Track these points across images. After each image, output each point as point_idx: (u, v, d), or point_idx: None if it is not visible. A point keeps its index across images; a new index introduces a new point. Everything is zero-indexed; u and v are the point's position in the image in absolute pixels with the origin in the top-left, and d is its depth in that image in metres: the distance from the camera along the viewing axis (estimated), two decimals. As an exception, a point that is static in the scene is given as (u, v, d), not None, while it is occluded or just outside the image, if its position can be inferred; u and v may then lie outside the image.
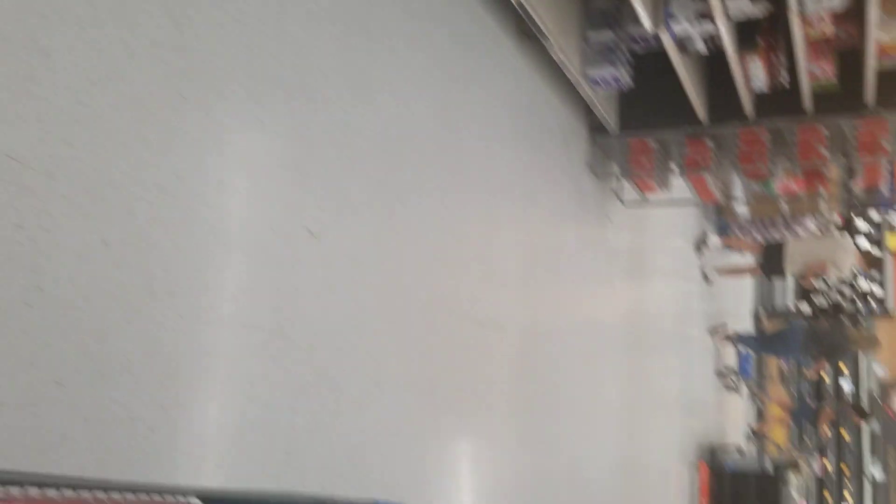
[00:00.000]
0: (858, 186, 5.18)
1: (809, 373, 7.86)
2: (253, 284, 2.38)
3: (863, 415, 8.22)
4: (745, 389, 9.58)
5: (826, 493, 10.41)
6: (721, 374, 8.74)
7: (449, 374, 3.35)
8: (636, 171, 4.95)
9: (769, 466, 7.24)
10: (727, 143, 4.82)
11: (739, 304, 10.47)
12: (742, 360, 9.16)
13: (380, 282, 2.95)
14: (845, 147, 4.62)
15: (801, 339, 7.28)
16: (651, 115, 4.89)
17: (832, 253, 7.07)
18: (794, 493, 7.12)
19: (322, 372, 2.63)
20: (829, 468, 10.51)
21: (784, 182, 4.89)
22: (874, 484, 10.50)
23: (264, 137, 2.46)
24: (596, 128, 5.04)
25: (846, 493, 10.48)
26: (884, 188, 5.17)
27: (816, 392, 10.78)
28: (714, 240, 8.12)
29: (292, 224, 2.56)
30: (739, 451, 8.05)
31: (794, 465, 7.68)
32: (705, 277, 8.36)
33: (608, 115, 4.82)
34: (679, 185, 5.57)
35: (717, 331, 8.45)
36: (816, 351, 7.27)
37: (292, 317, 2.53)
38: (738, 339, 8.34)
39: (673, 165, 4.98)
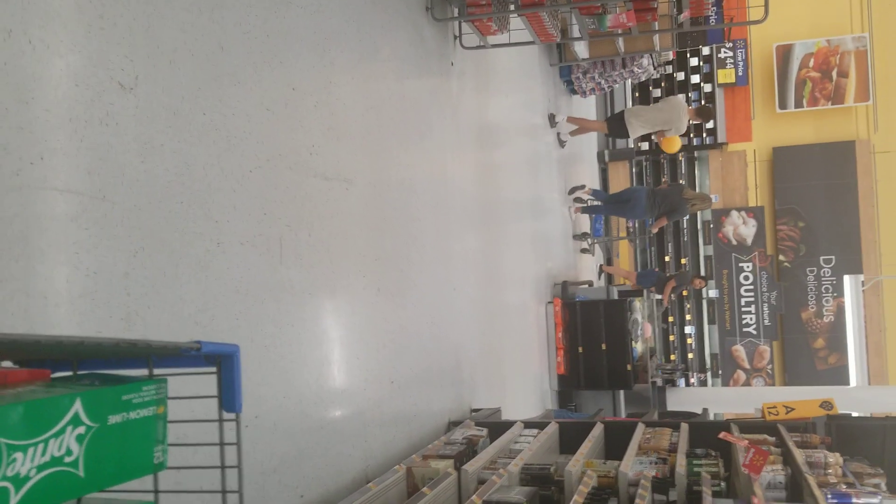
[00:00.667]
0: (686, 17, 5.33)
1: (652, 228, 8.57)
2: (60, 145, 2.18)
3: (704, 279, 9.05)
4: (597, 249, 10.19)
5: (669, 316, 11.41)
6: (576, 237, 9.27)
7: (295, 229, 3.28)
8: (475, 12, 4.84)
9: (616, 295, 7.80)
10: (561, -22, 4.79)
11: (586, 147, 10.85)
12: (594, 223, 9.74)
13: (208, 136, 2.78)
14: (673, -23, 4.70)
15: (644, 202, 7.88)
16: (485, -47, 4.75)
17: (668, 112, 7.68)
18: (639, 317, 7.74)
19: (152, 234, 2.49)
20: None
21: (615, 17, 4.95)
22: (710, 302, 11.59)
23: (49, -22, 2.17)
24: (431, -31, 4.86)
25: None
26: (710, 15, 5.35)
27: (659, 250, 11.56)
28: (562, 118, 8.50)
29: (98, 77, 2.34)
30: (590, 284, 8.58)
31: (639, 293, 8.31)
32: (560, 142, 8.74)
33: (442, -47, 4.64)
34: (519, 26, 5.53)
35: (574, 191, 8.87)
36: (659, 211, 7.90)
37: (112, 178, 2.36)
38: (588, 209, 8.90)
39: (510, 5, 4.91)
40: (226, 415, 1.39)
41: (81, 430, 1.12)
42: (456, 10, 5.11)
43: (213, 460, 1.40)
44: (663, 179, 11.62)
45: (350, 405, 3.65)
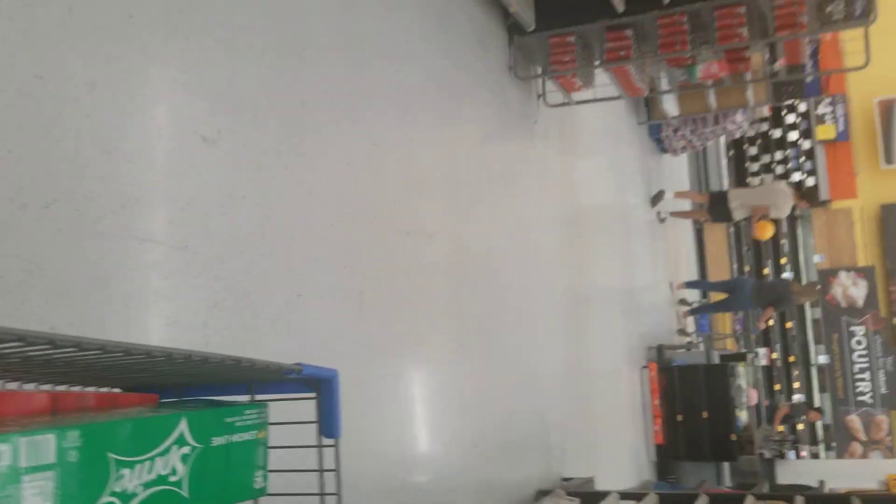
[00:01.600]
0: (781, 66, 5.14)
1: (759, 323, 8.32)
2: (142, 195, 2.21)
3: (818, 411, 8.74)
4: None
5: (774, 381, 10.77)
6: (680, 332, 9.13)
7: (376, 283, 3.24)
8: (558, 69, 4.82)
9: (716, 360, 7.40)
10: (647, 31, 4.72)
11: (679, 207, 10.55)
12: (698, 319, 9.64)
13: (289, 189, 2.80)
14: (764, 26, 4.55)
15: (748, 293, 7.75)
16: (568, 10, 4.74)
17: (772, 197, 7.67)
18: (743, 383, 7.30)
19: (233, 284, 2.49)
20: (776, 356, 10.85)
21: (707, 68, 4.82)
22: (820, 368, 10.88)
23: (140, 32, 2.26)
24: (513, 28, 4.88)
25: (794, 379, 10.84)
26: (807, 64, 5.14)
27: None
28: (669, 195, 8.48)
29: (182, 130, 2.39)
30: (688, 347, 8.20)
31: (742, 357, 7.87)
32: (660, 219, 8.68)
33: (524, 12, 4.66)
34: (604, 82, 5.47)
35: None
36: (765, 303, 7.77)
37: (193, 228, 2.38)
38: (694, 310, 9.11)
39: (595, 60, 4.86)
40: (325, 441, 1.39)
41: (186, 449, 1.14)
42: (539, 69, 5.09)
43: (312, 487, 1.39)
44: (765, 272, 11.16)
45: (431, 467, 3.52)
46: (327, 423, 1.41)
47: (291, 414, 1.46)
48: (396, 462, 3.23)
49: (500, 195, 4.68)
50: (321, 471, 1.41)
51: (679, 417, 6.98)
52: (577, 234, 6.11)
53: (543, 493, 4.54)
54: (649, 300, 8.22)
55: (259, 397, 1.39)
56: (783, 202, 7.66)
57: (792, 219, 11.18)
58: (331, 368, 1.41)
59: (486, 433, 4.08)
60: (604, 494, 4.27)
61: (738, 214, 7.86)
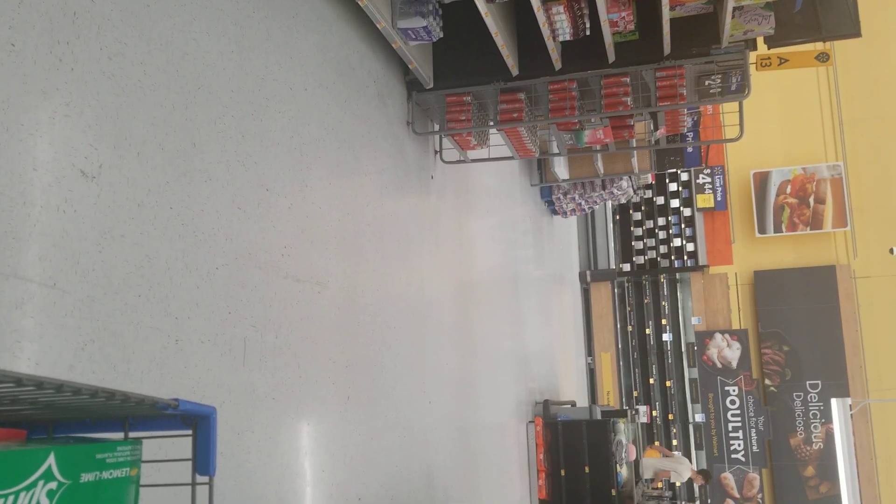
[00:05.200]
0: (662, 134, 5.45)
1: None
2: (11, 228, 2.10)
3: (706, 477, 9.13)
4: None
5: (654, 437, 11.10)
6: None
7: (262, 330, 3.17)
8: (455, 126, 4.93)
9: (599, 416, 7.58)
10: (539, 95, 4.91)
11: (566, 267, 10.89)
12: None
13: (173, 230, 2.72)
14: (647, 96, 4.83)
15: None
16: (465, 70, 4.89)
17: (673, 466, 8.92)
18: (623, 439, 7.49)
19: (105, 327, 2.38)
20: (656, 413, 11.21)
21: (593, 133, 5.05)
22: (697, 426, 11.31)
23: (22, 61, 2.17)
24: (412, 84, 4.98)
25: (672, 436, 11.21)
26: (687, 135, 5.47)
27: (641, 348, 11.46)
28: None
29: (61, 163, 2.29)
30: (573, 404, 8.35)
31: (623, 414, 8.08)
32: None
33: (423, 69, 4.77)
34: (498, 142, 5.63)
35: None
36: None
37: (65, 266, 2.27)
38: None
39: (489, 120, 5.01)
40: (199, 479, 1.38)
41: (53, 485, 1.12)
42: (436, 125, 5.20)
43: None
44: (646, 301, 11.60)
45: (312, 522, 3.41)
46: (202, 461, 1.39)
47: (164, 452, 1.45)
48: (273, 517, 3.11)
49: (394, 248, 4.70)
50: None
51: (562, 472, 7.07)
52: (469, 290, 6.19)
53: (426, 550, 4.48)
54: (537, 356, 8.37)
55: (133, 434, 1.37)
56: (684, 471, 8.84)
57: (672, 282, 11.73)
58: (208, 406, 1.40)
59: (370, 487, 4.00)
60: (486, 550, 4.24)
61: (646, 474, 8.84)
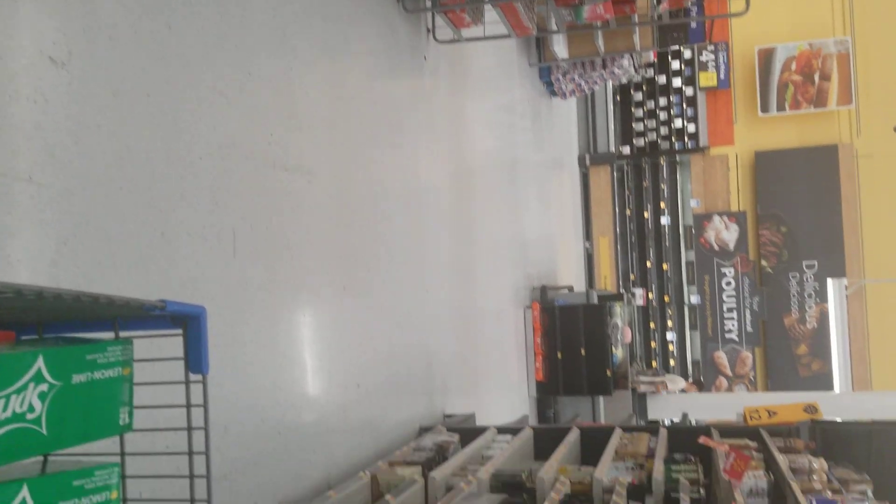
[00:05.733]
0: (665, 9, 5.20)
1: None
2: (-24, 119, 1.99)
3: (699, 386, 9.15)
4: None
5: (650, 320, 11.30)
6: None
7: (252, 222, 3.09)
8: (448, 2, 4.69)
9: (595, 300, 7.64)
10: (537, -32, 4.65)
11: (566, 151, 10.73)
12: None
13: (152, 119, 2.60)
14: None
15: None
16: (458, -58, 4.60)
17: (670, 378, 8.85)
18: (619, 322, 7.58)
19: (87, 221, 2.30)
20: (652, 297, 11.35)
21: (593, 9, 4.81)
22: (692, 308, 11.46)
23: (-34, -63, 1.99)
24: (402, -41, 4.70)
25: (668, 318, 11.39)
26: (691, 9, 5.22)
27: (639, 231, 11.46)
28: None
29: (28, 50, 2.15)
30: (570, 289, 8.42)
31: (619, 298, 8.16)
32: None
33: (413, -58, 4.48)
34: (494, 19, 5.38)
35: None
36: None
37: (40, 159, 2.17)
38: None
39: (484, -4, 4.76)
40: (192, 377, 1.41)
41: (44, 387, 1.13)
42: (429, 2, 4.95)
43: (180, 422, 1.41)
44: (646, 215, 11.51)
45: (311, 410, 3.46)
46: (194, 360, 1.41)
47: (159, 350, 1.46)
48: (273, 405, 3.14)
49: (387, 134, 4.56)
50: (188, 406, 1.42)
51: (559, 355, 7.20)
52: (466, 176, 6.08)
53: (425, 430, 4.58)
54: (535, 242, 8.36)
55: (124, 334, 1.37)
56: (678, 382, 8.90)
57: (672, 164, 11.59)
58: (197, 305, 1.40)
59: (368, 373, 4.05)
60: (482, 430, 4.34)
61: (643, 388, 8.79)
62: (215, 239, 2.87)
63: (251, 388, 3.01)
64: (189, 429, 1.43)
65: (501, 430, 4.38)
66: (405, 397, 4.53)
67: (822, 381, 11.03)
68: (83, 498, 1.22)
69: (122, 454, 1.39)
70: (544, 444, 4.28)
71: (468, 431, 4.33)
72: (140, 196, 2.52)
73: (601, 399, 7.36)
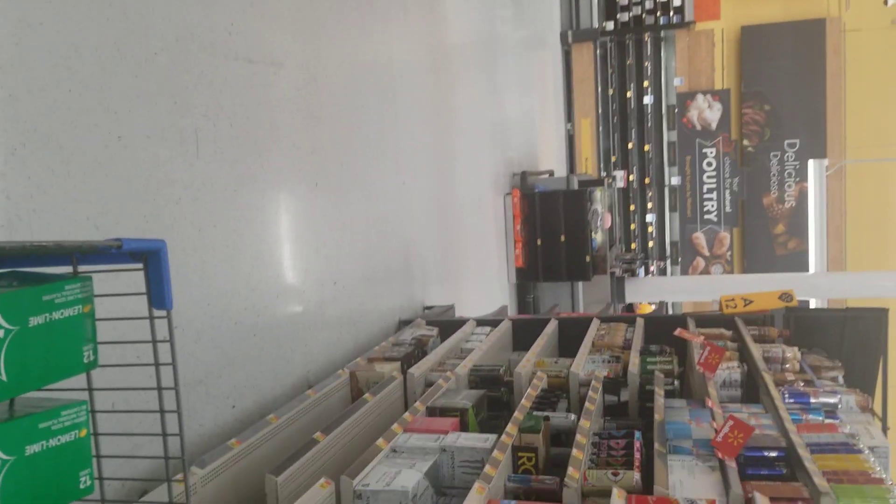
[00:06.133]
0: None
1: None
2: None
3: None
4: None
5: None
6: None
7: (214, 119, 2.95)
8: None
9: (576, 185, 7.57)
10: None
11: (547, 27, 10.35)
12: None
13: (99, 12, 2.40)
14: None
15: None
16: None
17: None
18: (599, 207, 7.55)
19: (34, 128, 2.16)
20: (633, 178, 11.28)
21: None
22: (672, 189, 11.42)
23: None
24: None
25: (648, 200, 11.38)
26: None
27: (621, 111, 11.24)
28: None
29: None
30: (550, 173, 8.32)
31: (600, 183, 8.09)
32: None
33: None
34: None
35: None
36: None
37: (-25, 62, 2.01)
38: None
39: None
40: (156, 312, 1.38)
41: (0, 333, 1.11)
42: None
43: (147, 358, 1.40)
44: (628, 94, 11.19)
45: (287, 310, 3.43)
46: (157, 295, 1.38)
47: (123, 284, 1.41)
48: (247, 308, 3.10)
49: (357, 17, 4.32)
50: (154, 342, 1.41)
51: (538, 242, 7.20)
52: (444, 58, 5.85)
53: (405, 323, 4.61)
54: (516, 125, 8.19)
55: (83, 269, 1.33)
56: None
57: (657, 40, 11.24)
58: (157, 240, 1.37)
59: (345, 269, 4.01)
60: (461, 323, 4.37)
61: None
62: (176, 140, 2.73)
63: (223, 292, 2.96)
64: (157, 364, 1.41)
65: (480, 323, 4.40)
66: (383, 291, 4.51)
67: (798, 260, 11.21)
68: (51, 439, 1.21)
69: (90, 389, 1.38)
70: (523, 335, 4.33)
71: (447, 324, 4.35)
72: (91, 98, 2.37)
73: (580, 284, 7.43)
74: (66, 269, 1.31)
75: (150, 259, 1.37)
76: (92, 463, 1.27)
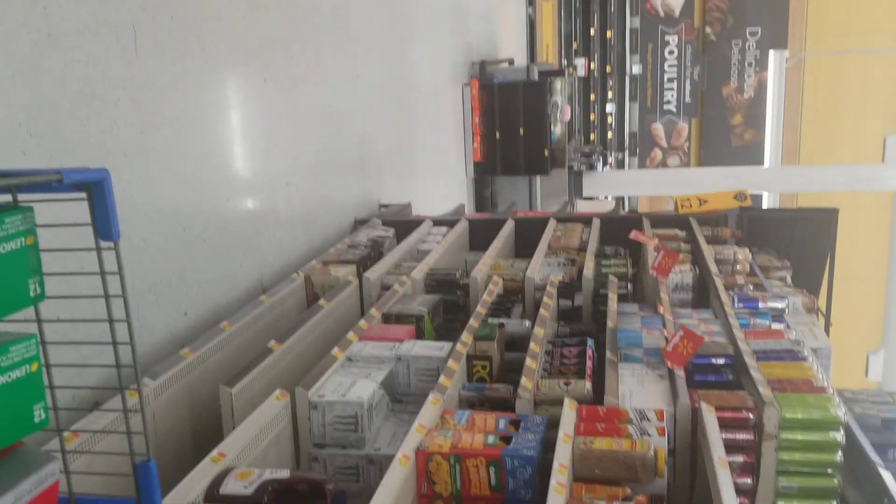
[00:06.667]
0: None
1: None
2: None
3: None
4: None
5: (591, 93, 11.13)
6: None
7: (153, 13, 2.75)
8: None
9: (536, 76, 7.40)
10: None
11: None
12: None
13: None
14: None
15: None
16: None
17: None
18: (559, 100, 7.42)
19: (-50, 27, 1.98)
20: (594, 67, 11.08)
21: None
22: (633, 78, 11.27)
23: None
24: None
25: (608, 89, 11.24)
26: None
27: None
28: None
29: None
30: (510, 62, 8.11)
31: (560, 73, 7.92)
32: None
33: None
34: None
35: None
36: None
37: None
38: None
39: None
40: (103, 243, 1.31)
41: None
42: None
43: (97, 290, 1.35)
44: None
45: (238, 213, 3.34)
46: (103, 226, 1.31)
47: (69, 214, 1.35)
48: (196, 213, 3.01)
49: None
50: (102, 273, 1.35)
51: (497, 134, 7.09)
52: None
53: (360, 223, 4.55)
54: (476, 8, 7.90)
55: (23, 199, 1.25)
56: None
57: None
58: (100, 169, 1.27)
59: (298, 169, 3.90)
60: (418, 222, 4.33)
61: None
62: (112, 37, 2.55)
63: (170, 197, 2.86)
64: (106, 297, 1.35)
65: (437, 223, 4.37)
66: (338, 189, 4.43)
67: (754, 151, 11.30)
68: (1, 376, 1.17)
69: (39, 321, 1.34)
70: (480, 234, 4.31)
71: (403, 224, 4.31)
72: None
73: (538, 178, 7.40)
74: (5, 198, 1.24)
75: (94, 189, 1.29)
76: (45, 394, 1.25)
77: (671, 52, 11.23)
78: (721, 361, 2.36)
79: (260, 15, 3.52)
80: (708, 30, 11.37)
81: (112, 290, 1.36)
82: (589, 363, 2.38)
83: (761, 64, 11.18)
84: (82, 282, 1.43)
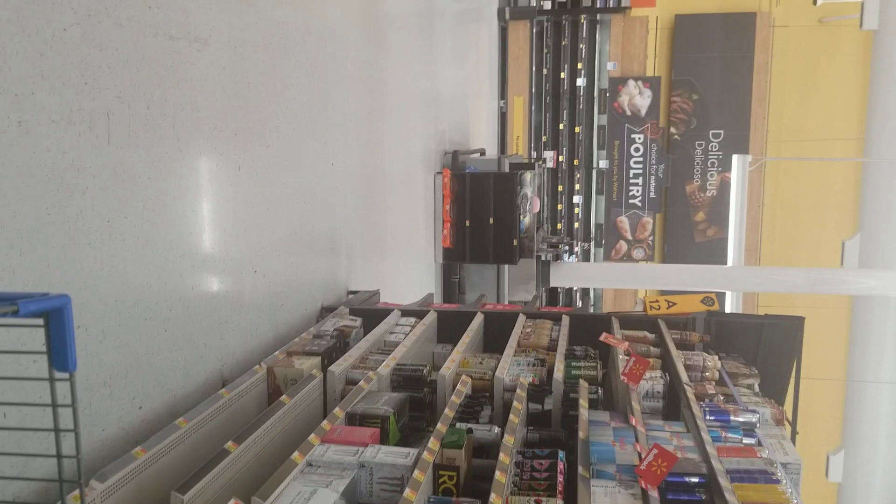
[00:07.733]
0: None
1: None
2: None
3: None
4: None
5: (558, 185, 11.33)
6: None
7: (129, 101, 2.73)
8: None
9: (507, 168, 7.51)
10: None
11: (485, 2, 10.20)
12: None
13: (-2, -17, 2.16)
14: None
15: None
16: None
17: None
18: (529, 192, 7.52)
19: (-82, 113, 1.93)
20: (562, 159, 11.31)
21: None
22: (600, 172, 11.51)
23: None
24: None
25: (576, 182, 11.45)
26: None
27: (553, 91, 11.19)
28: None
29: None
30: (482, 153, 8.24)
31: (530, 167, 8.06)
32: None
33: None
34: None
35: None
36: None
37: None
38: None
39: None
40: (58, 374, 1.25)
41: None
42: None
43: (48, 422, 1.31)
44: (562, 76, 11.14)
45: (202, 301, 3.26)
46: (59, 356, 1.24)
47: (29, 340, 1.25)
48: (158, 302, 2.92)
49: (288, -11, 4.10)
50: (54, 406, 1.28)
51: (467, 223, 7.13)
52: (378, 29, 5.66)
53: (328, 310, 4.48)
54: (450, 100, 8.06)
55: None
56: None
57: (592, 23, 11.22)
58: (60, 295, 1.21)
59: (267, 256, 3.84)
60: (386, 312, 4.27)
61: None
62: (86, 124, 2.51)
63: (133, 286, 2.77)
64: (56, 430, 1.27)
65: (405, 313, 4.32)
66: (306, 276, 4.37)
67: (716, 248, 11.50)
68: None
69: None
70: (448, 326, 4.26)
71: (371, 314, 4.25)
72: (-13, 78, 2.14)
73: (506, 267, 7.42)
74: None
75: (52, 316, 1.21)
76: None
77: (637, 150, 11.53)
78: (694, 480, 2.31)
79: (238, 106, 3.53)
80: (673, 130, 11.73)
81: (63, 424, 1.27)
82: (560, 478, 2.31)
83: (724, 165, 11.52)
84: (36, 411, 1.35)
